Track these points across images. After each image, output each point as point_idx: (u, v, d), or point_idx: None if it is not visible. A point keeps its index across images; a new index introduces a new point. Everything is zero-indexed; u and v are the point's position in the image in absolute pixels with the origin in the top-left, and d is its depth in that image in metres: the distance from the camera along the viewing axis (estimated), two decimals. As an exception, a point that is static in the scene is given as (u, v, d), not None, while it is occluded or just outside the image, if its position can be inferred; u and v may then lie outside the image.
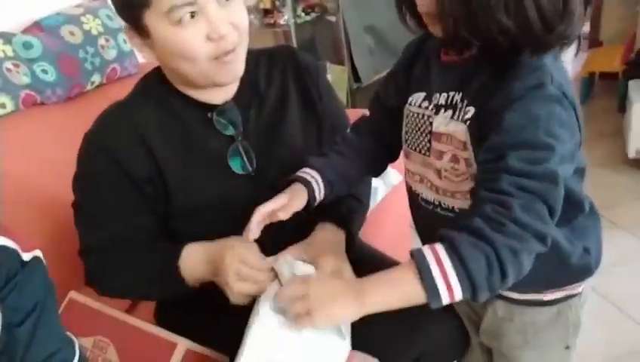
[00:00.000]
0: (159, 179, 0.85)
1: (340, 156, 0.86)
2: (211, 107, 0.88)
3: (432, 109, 0.74)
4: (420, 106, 0.77)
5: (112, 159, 0.84)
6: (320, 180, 0.83)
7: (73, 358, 0.68)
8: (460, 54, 0.70)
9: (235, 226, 0.82)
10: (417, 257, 0.60)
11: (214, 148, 0.87)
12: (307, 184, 0.81)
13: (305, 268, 0.78)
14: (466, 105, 0.69)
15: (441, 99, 0.73)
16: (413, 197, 0.83)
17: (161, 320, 1.01)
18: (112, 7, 1.57)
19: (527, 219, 0.58)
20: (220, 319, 0.84)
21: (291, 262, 0.78)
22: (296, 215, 0.80)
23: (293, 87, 0.95)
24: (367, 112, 0.93)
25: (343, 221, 0.93)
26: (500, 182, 0.59)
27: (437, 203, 0.77)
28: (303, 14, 2.07)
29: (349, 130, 0.91)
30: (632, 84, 2.39)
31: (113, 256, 0.88)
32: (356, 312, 0.62)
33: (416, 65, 0.80)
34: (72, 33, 1.49)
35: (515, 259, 0.58)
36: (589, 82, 3.25)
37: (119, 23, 1.63)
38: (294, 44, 2.01)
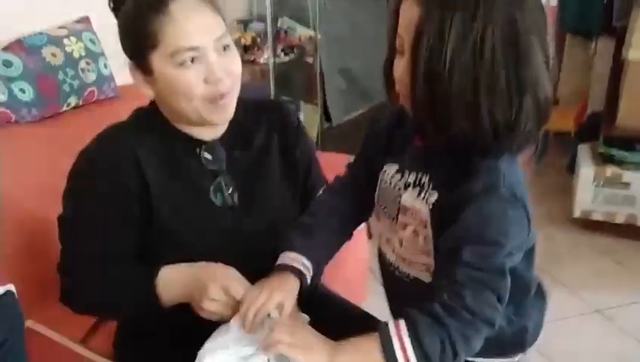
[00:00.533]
0: (146, 201, 0.91)
1: (322, 229, 0.89)
2: (200, 143, 0.95)
3: (402, 183, 0.81)
4: (392, 177, 0.83)
5: (109, 176, 0.90)
6: (309, 265, 0.85)
7: None
8: (429, 140, 0.77)
9: (214, 254, 0.88)
10: (383, 333, 0.68)
11: (199, 181, 0.95)
12: (300, 274, 0.83)
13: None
14: (431, 188, 0.75)
15: (411, 177, 0.79)
16: (381, 255, 0.90)
17: (119, 349, 1.04)
18: (96, 32, 1.62)
19: (477, 307, 0.67)
20: (180, 351, 0.85)
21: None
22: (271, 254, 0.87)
23: (277, 139, 1.03)
24: (335, 155, 0.99)
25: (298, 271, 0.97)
26: (455, 273, 0.68)
27: (396, 266, 0.84)
28: (282, 54, 2.15)
29: (324, 194, 0.95)
30: (581, 148, 2.56)
31: (93, 273, 0.91)
32: None
33: (396, 136, 0.86)
34: (53, 55, 1.51)
35: (465, 341, 0.67)
36: (544, 139, 3.42)
37: (102, 47, 1.67)
38: (271, 82, 2.08)
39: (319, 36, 2.14)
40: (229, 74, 0.89)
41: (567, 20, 2.95)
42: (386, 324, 0.70)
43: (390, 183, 0.83)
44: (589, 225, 2.45)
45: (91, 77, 1.59)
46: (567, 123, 3.27)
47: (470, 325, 0.67)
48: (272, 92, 2.09)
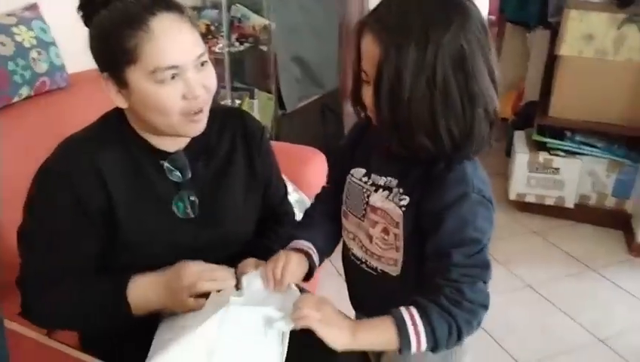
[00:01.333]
0: (109, 213, 0.92)
1: (319, 226, 0.99)
2: (164, 154, 0.96)
3: (370, 185, 0.88)
4: (360, 180, 0.90)
5: (69, 188, 0.89)
6: (315, 250, 0.94)
7: None
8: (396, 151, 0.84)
9: (171, 264, 0.92)
10: (397, 316, 0.78)
11: (162, 192, 0.96)
12: (308, 255, 0.92)
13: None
14: (402, 194, 0.84)
15: (380, 180, 0.87)
16: (345, 251, 0.98)
17: (85, 346, 1.05)
18: (48, 22, 1.59)
19: (475, 297, 0.79)
20: (148, 343, 0.90)
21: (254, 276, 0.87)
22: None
23: (241, 147, 1.05)
24: (290, 146, 1.09)
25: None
26: (451, 273, 0.79)
27: (364, 261, 0.93)
28: (237, 44, 2.16)
29: (315, 201, 1.05)
30: (517, 134, 2.74)
31: (55, 285, 0.91)
32: (347, 342, 0.77)
33: (359, 148, 0.94)
34: (2, 44, 1.47)
35: (468, 326, 0.80)
36: (484, 123, 3.63)
37: (52, 36, 1.64)
38: (227, 71, 2.10)
39: (273, 25, 2.17)
40: (207, 90, 0.90)
41: (508, 10, 3.08)
42: (398, 309, 0.79)
43: (358, 184, 0.91)
44: (523, 206, 2.65)
45: (43, 67, 1.57)
46: (506, 109, 3.46)
47: (472, 312, 0.79)
48: (228, 81, 2.12)
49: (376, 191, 0.88)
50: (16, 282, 0.95)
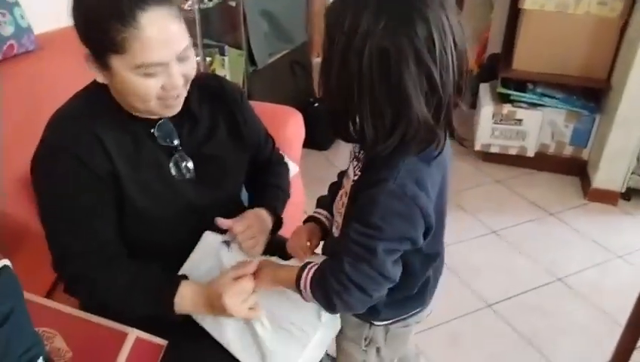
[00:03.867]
0: (114, 183, 0.93)
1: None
2: (152, 122, 0.98)
3: (354, 157, 0.90)
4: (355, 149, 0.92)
5: (79, 160, 0.89)
6: (328, 214, 1.03)
7: (43, 352, 0.78)
8: None
9: (180, 225, 0.99)
10: (301, 270, 0.89)
11: (158, 158, 0.99)
12: (320, 223, 1.03)
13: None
14: (358, 168, 0.87)
15: (359, 153, 0.89)
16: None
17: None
18: None
19: (352, 275, 0.82)
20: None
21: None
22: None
23: (222, 111, 1.07)
24: (263, 105, 1.23)
25: (273, 208, 1.14)
26: (343, 243, 0.83)
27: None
28: (206, 0, 2.11)
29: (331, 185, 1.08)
30: (482, 87, 2.82)
31: (101, 269, 0.93)
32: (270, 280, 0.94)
33: None
34: (-36, 6, 1.40)
35: (339, 298, 0.84)
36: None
37: (15, -5, 1.56)
38: (198, 28, 2.06)
39: (241, -21, 2.12)
40: (186, 80, 0.92)
41: (472, -39, 3.11)
42: (306, 265, 0.89)
43: (353, 152, 0.94)
44: (487, 156, 2.77)
45: (9, 30, 1.50)
46: (470, 61, 3.53)
47: (344, 287, 0.83)
48: (199, 38, 2.08)
49: (354, 160, 0.92)
50: (54, 267, 0.96)
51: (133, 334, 0.90)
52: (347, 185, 0.91)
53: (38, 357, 0.75)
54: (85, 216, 0.92)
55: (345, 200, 0.90)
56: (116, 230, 0.96)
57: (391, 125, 0.75)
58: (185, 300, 0.94)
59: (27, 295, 0.97)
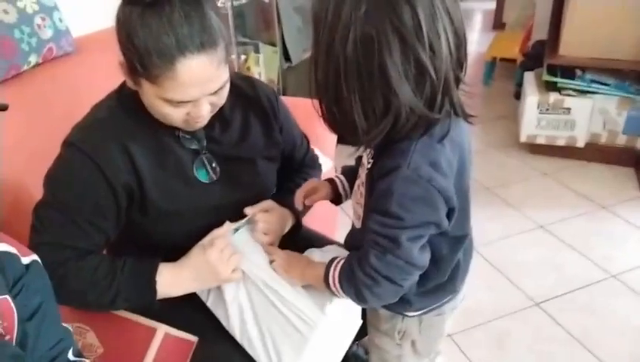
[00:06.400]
0: (138, 188, 0.93)
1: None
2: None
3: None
4: None
5: (95, 164, 0.89)
6: (345, 181, 1.05)
7: (71, 345, 0.79)
8: None
9: (205, 228, 0.96)
10: (328, 267, 0.89)
11: (182, 161, 0.98)
12: (332, 182, 1.05)
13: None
14: (371, 156, 0.84)
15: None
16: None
17: None
18: None
19: (379, 267, 0.80)
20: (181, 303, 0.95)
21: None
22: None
23: (255, 114, 1.07)
24: (297, 100, 1.20)
25: (296, 213, 1.12)
26: (366, 236, 0.81)
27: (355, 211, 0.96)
28: (239, -3, 2.11)
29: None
30: (526, 75, 2.70)
31: (73, 263, 0.90)
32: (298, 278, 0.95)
33: None
34: (5, 11, 1.45)
35: (370, 291, 0.83)
36: (491, 66, 3.58)
37: (54, 0, 1.60)
38: (231, 25, 2.06)
39: (273, -25, 2.11)
40: (214, 107, 0.92)
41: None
42: (333, 260, 0.88)
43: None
44: (534, 148, 2.65)
45: (48, 33, 1.55)
46: (514, 50, 3.41)
47: (373, 280, 0.81)
48: (232, 36, 2.08)
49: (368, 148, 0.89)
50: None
51: (162, 330, 0.90)
52: (362, 174, 0.89)
53: (67, 350, 0.75)
54: (84, 220, 0.91)
55: (362, 190, 0.88)
56: (104, 241, 0.94)
57: (381, 113, 0.72)
58: (165, 278, 0.92)
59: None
